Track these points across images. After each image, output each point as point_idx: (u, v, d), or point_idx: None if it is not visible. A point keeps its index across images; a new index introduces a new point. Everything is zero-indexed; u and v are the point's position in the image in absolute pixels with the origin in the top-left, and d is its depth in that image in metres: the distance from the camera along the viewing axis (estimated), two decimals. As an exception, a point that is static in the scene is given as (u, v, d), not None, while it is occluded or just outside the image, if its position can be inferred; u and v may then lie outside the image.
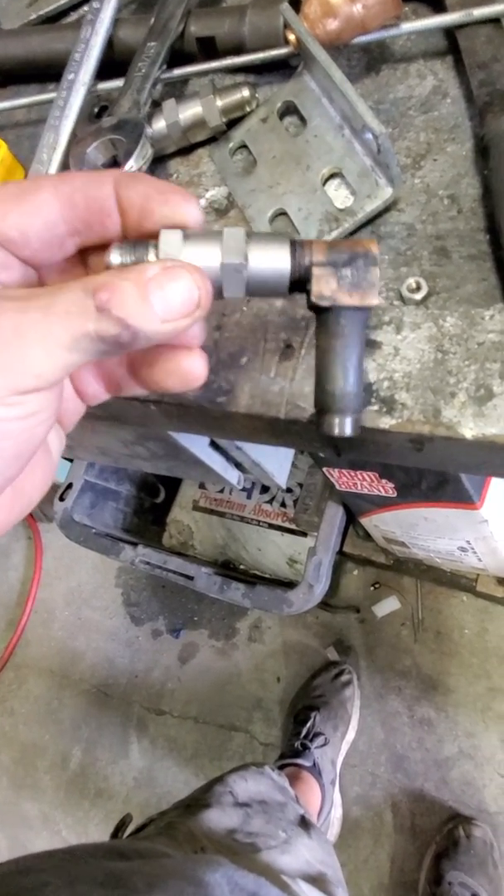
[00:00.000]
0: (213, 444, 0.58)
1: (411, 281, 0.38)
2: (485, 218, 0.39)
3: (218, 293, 0.29)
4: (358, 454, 0.41)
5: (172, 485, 1.63)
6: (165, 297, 0.26)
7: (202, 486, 1.59)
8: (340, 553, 1.41)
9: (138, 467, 0.68)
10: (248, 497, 1.51)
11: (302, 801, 0.94)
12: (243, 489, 1.52)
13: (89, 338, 0.25)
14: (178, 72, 0.48)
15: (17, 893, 0.48)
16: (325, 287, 0.29)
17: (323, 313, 0.30)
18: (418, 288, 0.38)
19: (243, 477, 0.64)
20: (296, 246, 0.29)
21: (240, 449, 0.58)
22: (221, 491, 1.55)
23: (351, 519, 1.30)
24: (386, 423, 0.36)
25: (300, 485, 1.46)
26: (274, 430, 0.41)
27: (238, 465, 0.64)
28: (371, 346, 0.38)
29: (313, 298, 0.29)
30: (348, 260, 0.29)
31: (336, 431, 0.32)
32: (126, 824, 0.77)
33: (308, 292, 0.30)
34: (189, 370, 0.30)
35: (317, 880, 0.75)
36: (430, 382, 0.36)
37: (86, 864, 0.55)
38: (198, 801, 0.79)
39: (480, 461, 0.37)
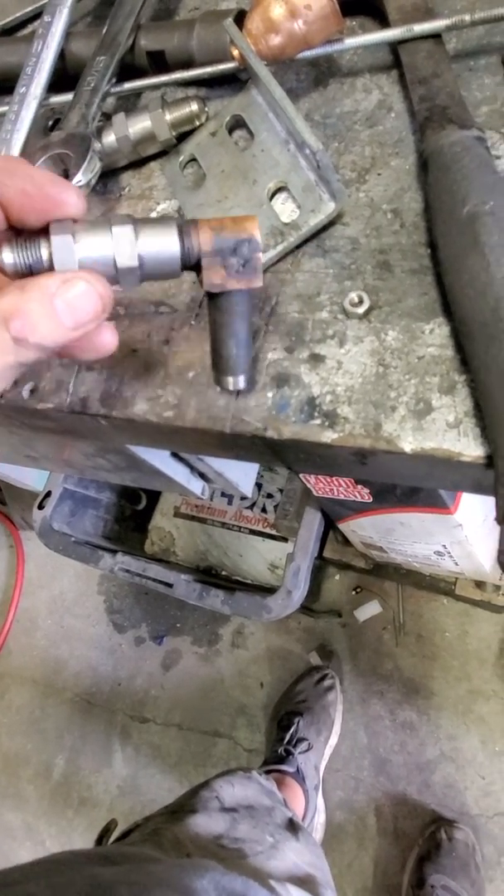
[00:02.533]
0: (175, 455, 0.58)
1: (354, 295, 0.38)
2: (426, 232, 0.39)
3: (113, 282, 0.31)
4: (306, 467, 0.41)
5: (154, 492, 1.63)
6: (72, 309, 0.28)
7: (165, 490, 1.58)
8: (321, 558, 1.41)
9: (104, 479, 0.68)
10: (230, 503, 1.51)
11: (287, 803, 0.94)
12: (223, 495, 1.52)
13: (11, 367, 0.27)
14: (128, 85, 0.48)
15: None
16: (214, 276, 0.32)
17: (214, 296, 0.34)
18: (361, 302, 0.38)
19: (207, 487, 0.64)
20: (182, 230, 0.31)
21: (201, 460, 0.58)
22: (187, 496, 1.55)
23: (331, 524, 1.31)
24: (328, 436, 0.37)
25: (280, 490, 1.46)
26: (221, 443, 0.41)
27: (202, 476, 0.64)
28: (315, 359, 0.39)
29: (204, 287, 0.33)
30: (234, 247, 0.32)
31: (231, 387, 0.37)
32: (111, 830, 0.77)
33: (199, 279, 0.33)
34: (101, 344, 0.32)
35: (305, 882, 0.75)
36: (372, 396, 0.37)
37: (71, 873, 0.55)
38: (184, 807, 0.78)
39: (423, 474, 0.38)
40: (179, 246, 0.31)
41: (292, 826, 0.83)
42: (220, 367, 0.37)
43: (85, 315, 0.28)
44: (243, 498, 1.50)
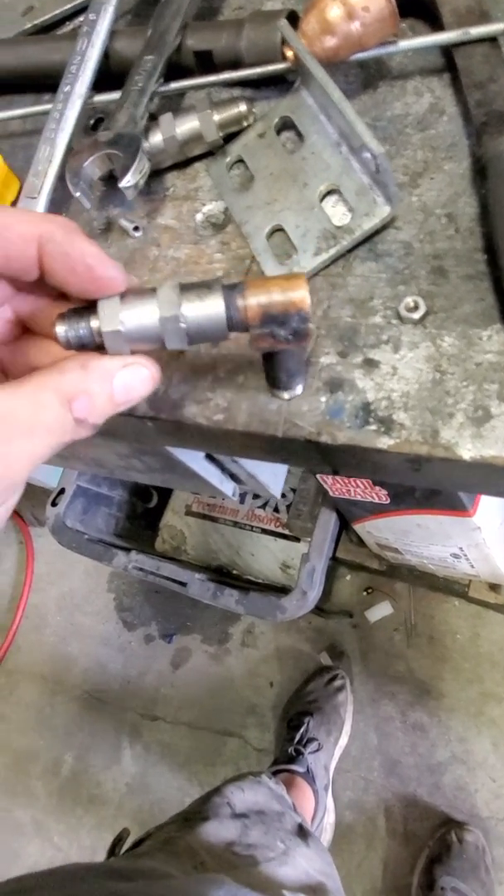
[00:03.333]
0: (209, 457, 0.58)
1: (409, 300, 0.38)
2: (482, 238, 0.39)
3: (162, 346, 0.32)
4: (354, 471, 0.41)
5: (165, 490, 1.63)
6: (128, 390, 0.30)
7: (195, 490, 1.58)
8: (333, 558, 1.41)
9: (134, 479, 0.67)
10: (241, 502, 1.51)
11: (296, 807, 0.94)
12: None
13: (63, 445, 0.28)
14: (174, 85, 0.48)
15: None
16: (262, 343, 0.33)
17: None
18: (416, 307, 0.38)
19: (238, 488, 0.64)
20: (228, 302, 0.31)
21: (236, 462, 0.58)
22: (214, 496, 1.55)
23: (344, 524, 1.30)
24: (384, 443, 0.36)
25: (293, 490, 1.46)
26: (271, 447, 0.41)
27: (233, 477, 0.64)
28: (369, 364, 0.38)
29: (253, 351, 0.34)
30: (282, 321, 0.32)
31: (287, 398, 0.38)
32: (123, 839, 0.77)
33: (250, 342, 0.33)
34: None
35: (316, 891, 0.75)
36: (429, 403, 0.36)
37: (87, 884, 0.55)
38: (196, 814, 0.78)
39: (477, 482, 0.38)
40: (226, 317, 0.31)
41: (302, 832, 0.83)
42: (273, 385, 0.38)
43: (138, 396, 0.31)
44: (257, 497, 1.49)
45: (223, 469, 0.61)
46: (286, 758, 1.30)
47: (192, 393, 0.41)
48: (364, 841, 1.32)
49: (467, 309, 0.38)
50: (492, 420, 0.35)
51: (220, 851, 0.71)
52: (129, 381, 0.30)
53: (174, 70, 0.48)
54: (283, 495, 1.48)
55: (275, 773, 1.20)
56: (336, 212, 0.42)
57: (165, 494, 1.62)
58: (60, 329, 0.30)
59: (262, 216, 0.43)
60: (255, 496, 1.52)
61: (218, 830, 0.74)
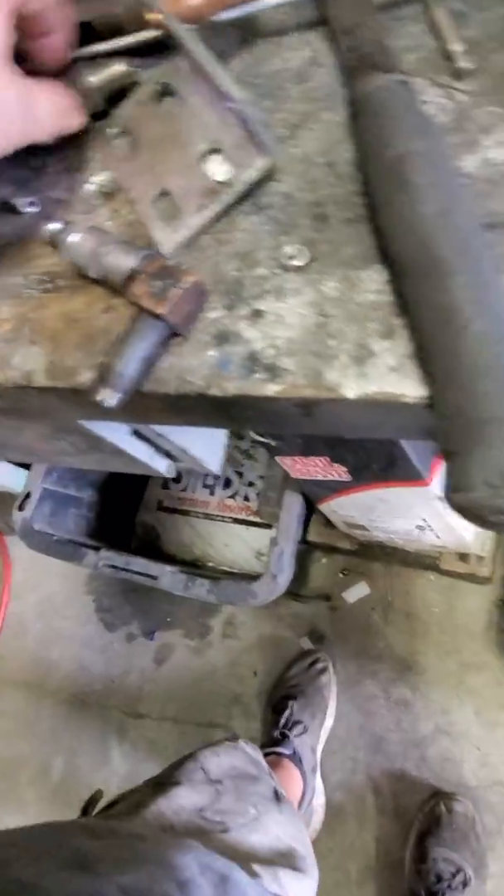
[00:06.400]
0: (136, 433, 0.58)
1: (289, 248, 0.38)
2: (360, 182, 0.39)
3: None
4: (254, 425, 0.41)
5: (138, 487, 1.62)
6: None
7: (165, 485, 1.58)
8: (306, 543, 1.41)
9: (70, 464, 0.67)
10: (211, 493, 1.51)
11: (283, 788, 0.94)
12: (205, 486, 1.51)
13: None
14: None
15: None
16: (136, 288, 0.38)
17: (136, 308, 0.38)
18: (297, 255, 0.38)
19: (173, 465, 0.64)
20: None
21: (161, 436, 0.58)
22: (185, 490, 1.55)
23: (314, 507, 1.31)
24: (271, 389, 0.36)
25: (262, 477, 1.46)
26: (168, 407, 0.41)
27: (168, 455, 0.64)
28: (255, 315, 0.38)
29: (127, 294, 0.38)
30: (163, 277, 0.37)
31: (98, 398, 0.37)
32: (96, 801, 0.77)
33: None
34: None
35: (286, 856, 0.75)
36: (312, 346, 0.36)
37: (55, 840, 0.55)
38: (169, 779, 0.78)
39: (369, 422, 0.38)
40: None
41: (276, 796, 0.83)
42: (101, 371, 0.38)
43: None
44: (227, 486, 1.49)
45: (154, 446, 0.61)
46: (272, 741, 1.30)
47: (86, 359, 0.41)
48: (355, 820, 1.32)
49: (349, 252, 0.38)
50: (373, 357, 0.35)
51: (190, 816, 0.71)
52: None
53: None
54: (252, 483, 1.48)
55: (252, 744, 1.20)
56: (221, 170, 0.42)
57: (138, 492, 1.62)
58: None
59: (147, 181, 0.43)
60: (226, 486, 1.52)
61: (190, 795, 0.74)
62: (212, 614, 1.57)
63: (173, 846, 0.58)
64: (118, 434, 0.55)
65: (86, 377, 0.41)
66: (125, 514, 1.60)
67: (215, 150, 0.42)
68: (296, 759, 1.28)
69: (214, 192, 0.41)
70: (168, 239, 0.42)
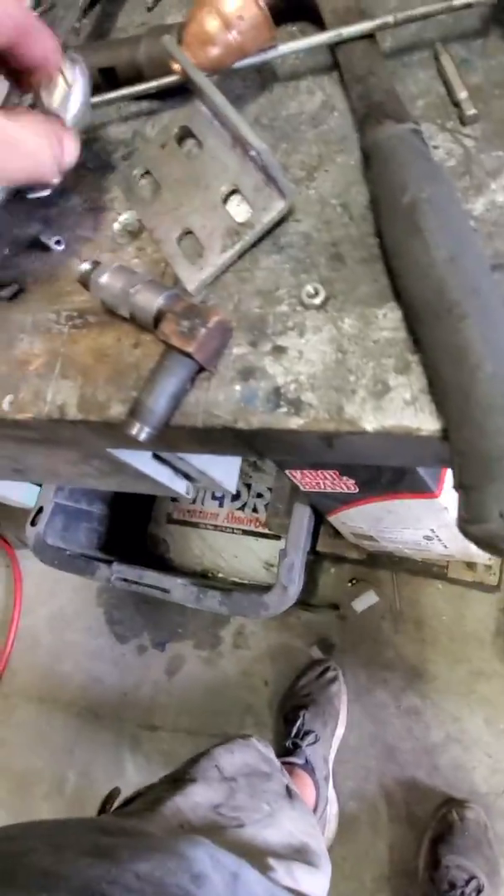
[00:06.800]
0: (157, 457, 0.60)
1: (309, 287, 0.40)
2: (373, 223, 0.41)
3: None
4: (277, 454, 0.43)
5: (147, 501, 1.64)
6: None
7: (174, 498, 1.60)
8: (315, 553, 1.43)
9: (92, 486, 0.69)
10: (220, 505, 1.53)
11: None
12: (214, 498, 1.53)
13: None
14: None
15: (3, 858, 0.49)
16: (165, 327, 0.39)
17: (165, 346, 0.40)
18: (316, 293, 0.40)
19: (192, 486, 0.66)
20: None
21: (182, 459, 0.60)
22: (194, 502, 1.57)
23: (322, 518, 1.32)
24: (295, 423, 0.38)
25: (270, 489, 1.48)
26: (195, 438, 0.43)
27: (186, 476, 0.66)
28: (278, 351, 0.40)
29: (157, 332, 0.40)
30: (191, 316, 0.39)
31: (132, 432, 0.39)
32: (114, 798, 0.78)
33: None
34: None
35: (300, 851, 0.76)
36: (333, 381, 0.38)
37: (72, 835, 0.56)
38: (184, 775, 0.79)
39: (387, 452, 0.40)
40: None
41: (289, 793, 0.85)
42: (134, 406, 0.40)
43: None
44: (235, 499, 1.51)
45: (173, 468, 0.63)
46: (284, 751, 1.31)
47: (117, 393, 0.43)
48: (369, 828, 1.33)
49: (364, 290, 0.40)
50: (390, 392, 0.37)
51: (206, 812, 0.73)
52: None
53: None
54: (260, 495, 1.50)
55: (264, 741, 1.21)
56: (240, 210, 0.44)
57: (147, 506, 1.64)
58: None
59: (170, 221, 0.46)
60: (235, 498, 1.54)
61: (206, 792, 0.75)
62: (222, 625, 1.58)
63: (184, 839, 0.60)
64: (141, 459, 0.57)
65: (117, 410, 0.43)
66: (135, 527, 1.62)
67: (234, 192, 0.45)
68: (308, 768, 1.29)
69: (236, 232, 0.43)
70: (193, 277, 0.44)
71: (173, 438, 0.44)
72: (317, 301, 0.40)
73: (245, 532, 1.49)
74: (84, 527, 1.48)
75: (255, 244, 0.43)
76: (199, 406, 0.41)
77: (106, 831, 0.60)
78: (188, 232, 0.45)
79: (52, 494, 1.39)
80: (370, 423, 0.37)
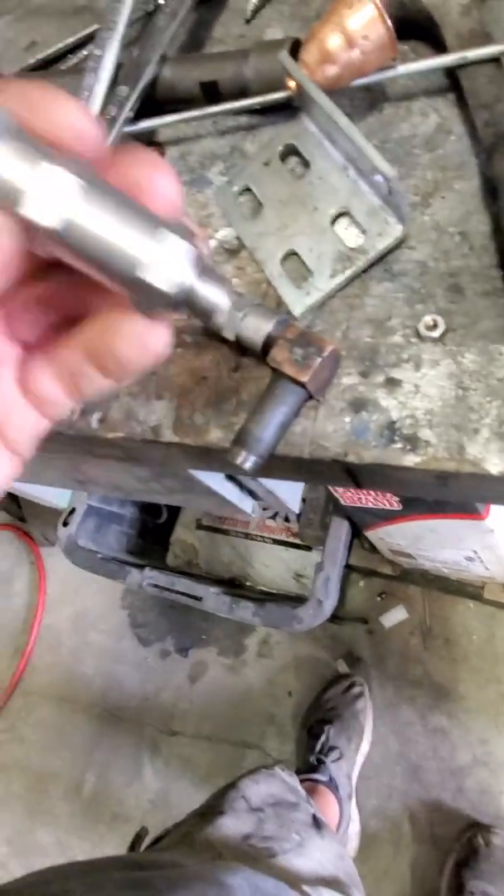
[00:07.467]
0: (230, 476, 0.59)
1: (428, 318, 0.39)
2: (497, 254, 0.39)
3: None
4: (379, 487, 0.42)
5: (175, 505, 1.63)
6: None
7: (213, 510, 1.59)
8: (346, 566, 1.41)
9: (152, 500, 0.68)
10: (252, 513, 1.51)
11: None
12: (246, 506, 1.52)
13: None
14: (181, 116, 0.49)
15: None
16: (277, 354, 0.38)
17: (275, 373, 0.39)
18: (435, 325, 0.39)
19: (257, 505, 0.65)
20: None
21: (255, 480, 0.58)
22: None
23: (356, 531, 1.31)
24: (410, 460, 0.37)
25: (303, 500, 1.46)
26: (297, 468, 0.42)
27: (252, 494, 0.65)
28: (391, 384, 0.39)
29: (268, 359, 0.39)
30: (304, 344, 0.38)
31: (237, 461, 0.38)
32: (142, 837, 0.77)
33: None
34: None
35: (331, 883, 0.75)
36: (453, 419, 0.37)
37: (107, 872, 0.56)
38: (212, 809, 0.79)
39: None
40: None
41: (317, 823, 0.84)
42: (241, 434, 0.39)
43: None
44: (275, 513, 1.50)
45: (242, 487, 0.62)
46: (308, 767, 1.30)
47: (216, 418, 0.42)
48: (391, 847, 1.31)
49: (486, 325, 0.38)
50: (516, 434, 0.35)
51: (238, 844, 0.72)
52: None
53: (147, 104, 0.49)
54: (293, 505, 1.49)
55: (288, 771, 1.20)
56: (349, 234, 0.43)
57: (175, 509, 1.63)
58: None
59: (274, 242, 0.44)
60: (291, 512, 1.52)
61: (234, 824, 0.74)
62: (247, 633, 1.57)
63: (221, 868, 0.59)
64: (215, 478, 0.56)
65: (216, 436, 0.42)
66: (162, 532, 1.61)
67: (343, 214, 0.43)
68: (332, 785, 1.27)
69: (348, 257, 0.41)
70: (299, 301, 0.42)
71: (273, 467, 0.42)
72: (435, 334, 0.38)
73: (276, 541, 1.48)
74: (115, 529, 1.47)
75: (365, 270, 0.42)
76: (306, 436, 0.40)
77: (140, 866, 0.60)
78: (293, 254, 0.44)
79: (85, 496, 1.38)
80: (495, 466, 0.35)
